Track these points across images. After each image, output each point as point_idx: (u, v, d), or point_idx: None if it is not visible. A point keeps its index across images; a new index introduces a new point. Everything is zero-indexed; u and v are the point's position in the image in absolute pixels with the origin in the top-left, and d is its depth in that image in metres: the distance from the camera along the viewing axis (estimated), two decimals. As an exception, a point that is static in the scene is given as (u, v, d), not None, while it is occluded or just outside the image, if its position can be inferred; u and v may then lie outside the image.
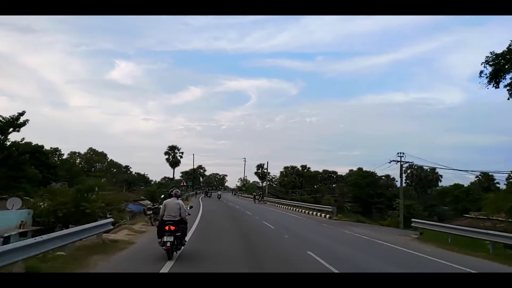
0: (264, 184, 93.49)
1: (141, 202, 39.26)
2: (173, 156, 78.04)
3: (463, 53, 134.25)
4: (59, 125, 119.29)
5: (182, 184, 45.40)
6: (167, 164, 78.39)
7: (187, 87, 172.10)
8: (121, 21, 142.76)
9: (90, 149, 78.01)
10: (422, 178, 76.81)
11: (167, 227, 9.27)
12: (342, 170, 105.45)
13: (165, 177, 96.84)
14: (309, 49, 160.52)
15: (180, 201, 9.95)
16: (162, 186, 48.05)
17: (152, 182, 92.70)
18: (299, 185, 69.29)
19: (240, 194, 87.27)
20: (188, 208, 11.31)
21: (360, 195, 60.53)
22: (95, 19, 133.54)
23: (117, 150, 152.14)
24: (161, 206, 10.70)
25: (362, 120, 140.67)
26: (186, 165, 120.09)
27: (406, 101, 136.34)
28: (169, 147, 78.67)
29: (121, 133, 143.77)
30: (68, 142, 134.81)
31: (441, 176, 74.33)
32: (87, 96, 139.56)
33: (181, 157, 78.87)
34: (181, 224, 9.67)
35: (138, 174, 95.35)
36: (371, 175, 65.00)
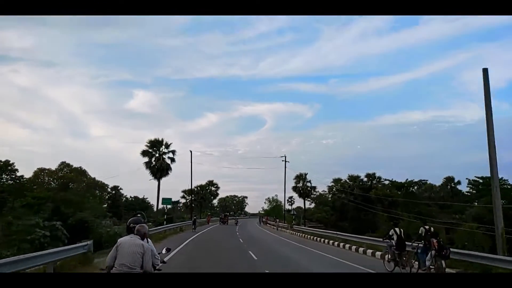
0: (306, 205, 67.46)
1: None
2: (157, 158, 40.07)
3: (480, 69, 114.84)
4: (80, 155, 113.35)
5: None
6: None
7: (204, 114, 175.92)
8: (138, 52, 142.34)
9: (63, 164, 54.72)
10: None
11: None
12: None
13: (174, 202, 74.07)
14: (322, 72, 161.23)
15: (146, 243, 5.47)
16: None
17: (155, 210, 68.82)
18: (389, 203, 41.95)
19: (279, 225, 49.16)
20: (164, 252, 6.82)
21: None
22: (114, 52, 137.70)
23: (136, 177, 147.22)
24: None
25: (379, 141, 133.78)
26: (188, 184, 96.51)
27: (424, 120, 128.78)
28: (150, 141, 40.83)
29: (140, 160, 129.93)
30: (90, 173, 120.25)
31: None
32: (107, 126, 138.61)
33: (172, 160, 41.01)
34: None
35: (135, 197, 72.92)
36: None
